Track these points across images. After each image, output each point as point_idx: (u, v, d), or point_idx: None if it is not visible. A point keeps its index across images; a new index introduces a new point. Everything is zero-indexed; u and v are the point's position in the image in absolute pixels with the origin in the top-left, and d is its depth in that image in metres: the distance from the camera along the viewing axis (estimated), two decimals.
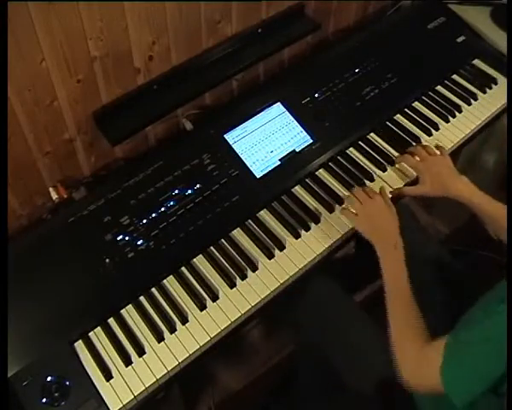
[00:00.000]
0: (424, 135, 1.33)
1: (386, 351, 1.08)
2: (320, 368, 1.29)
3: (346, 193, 1.21)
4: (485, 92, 1.44)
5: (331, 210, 1.18)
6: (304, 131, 1.29)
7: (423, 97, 1.42)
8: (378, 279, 1.54)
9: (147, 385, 0.95)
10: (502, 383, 0.79)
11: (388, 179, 1.24)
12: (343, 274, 1.44)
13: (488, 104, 1.41)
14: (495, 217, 1.09)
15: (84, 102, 1.15)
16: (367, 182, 1.23)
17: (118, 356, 0.98)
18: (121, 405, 0.93)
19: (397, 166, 1.25)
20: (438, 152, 1.21)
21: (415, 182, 1.22)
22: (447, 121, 1.37)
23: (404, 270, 1.00)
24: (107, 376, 0.96)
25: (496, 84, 1.46)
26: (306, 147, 1.27)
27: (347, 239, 1.17)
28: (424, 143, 1.28)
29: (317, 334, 1.21)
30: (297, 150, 1.26)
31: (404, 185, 1.22)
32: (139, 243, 1.09)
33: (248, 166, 1.23)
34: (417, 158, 1.20)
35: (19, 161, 1.12)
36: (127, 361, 0.97)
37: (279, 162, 1.25)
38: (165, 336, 1.01)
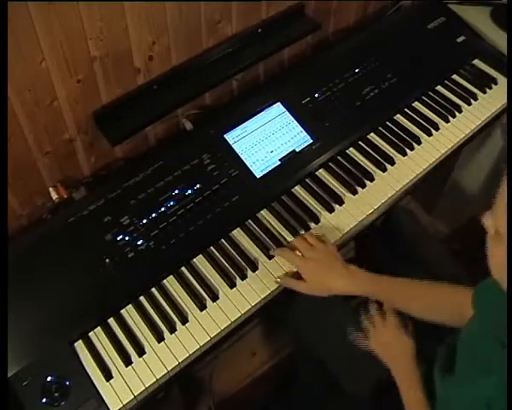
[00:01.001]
0: (424, 135, 1.33)
1: None
2: (319, 369, 1.29)
3: (347, 194, 1.21)
4: (485, 92, 1.44)
5: (331, 210, 1.18)
6: (304, 131, 1.29)
7: (423, 97, 1.42)
8: None
9: (147, 385, 0.95)
10: None
11: (389, 180, 1.24)
12: None
13: (488, 104, 1.41)
14: (405, 294, 1.03)
15: (84, 102, 1.15)
16: (367, 182, 1.23)
17: (118, 356, 0.98)
18: (121, 405, 0.93)
19: (276, 258, 1.11)
20: (317, 242, 1.08)
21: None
22: (447, 121, 1.37)
23: (418, 382, 0.95)
24: (107, 376, 0.96)
25: (496, 84, 1.46)
26: (306, 147, 1.27)
27: (347, 240, 1.17)
28: (307, 233, 1.13)
29: (314, 336, 1.21)
30: (297, 150, 1.26)
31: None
32: (139, 243, 1.09)
33: (248, 166, 1.23)
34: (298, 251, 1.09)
35: (19, 161, 1.12)
36: (127, 361, 0.97)
37: (279, 162, 1.25)
38: (165, 336, 1.01)
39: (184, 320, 1.02)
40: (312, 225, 1.15)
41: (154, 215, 1.13)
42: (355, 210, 1.18)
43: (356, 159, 1.29)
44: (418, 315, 1.01)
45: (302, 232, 1.14)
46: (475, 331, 0.83)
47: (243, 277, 1.08)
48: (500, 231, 0.66)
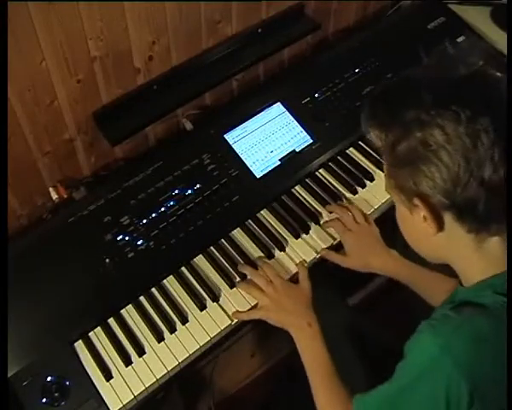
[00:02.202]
0: None
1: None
2: None
3: (347, 194, 1.21)
4: None
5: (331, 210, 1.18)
6: (304, 131, 1.29)
7: None
8: (374, 280, 1.53)
9: (147, 385, 0.95)
10: None
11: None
12: (340, 276, 1.44)
13: None
14: (426, 287, 1.05)
15: (84, 102, 1.15)
16: (367, 182, 1.23)
17: (118, 356, 0.98)
18: (121, 405, 0.93)
19: (323, 225, 1.16)
20: (363, 221, 1.13)
21: None
22: None
23: (323, 346, 0.95)
24: (107, 376, 0.96)
25: None
26: (306, 147, 1.27)
27: None
28: (352, 206, 1.17)
29: None
30: (297, 150, 1.26)
31: None
32: (139, 243, 1.09)
33: (248, 166, 1.23)
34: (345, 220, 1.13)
35: (19, 161, 1.12)
36: (127, 361, 0.97)
37: (279, 162, 1.25)
38: (165, 336, 1.01)
39: (184, 320, 1.02)
40: (312, 225, 1.15)
41: (154, 215, 1.13)
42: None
43: (356, 159, 1.29)
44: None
45: (303, 233, 1.14)
46: None
47: (243, 277, 1.08)
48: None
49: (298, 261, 1.10)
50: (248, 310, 1.03)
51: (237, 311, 1.03)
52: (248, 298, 1.05)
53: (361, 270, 1.10)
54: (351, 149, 1.31)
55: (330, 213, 1.17)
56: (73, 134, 1.19)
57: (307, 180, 1.24)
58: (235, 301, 1.04)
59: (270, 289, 1.02)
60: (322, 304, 1.20)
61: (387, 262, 1.09)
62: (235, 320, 1.03)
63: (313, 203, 1.20)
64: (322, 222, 1.16)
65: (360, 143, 1.31)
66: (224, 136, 1.26)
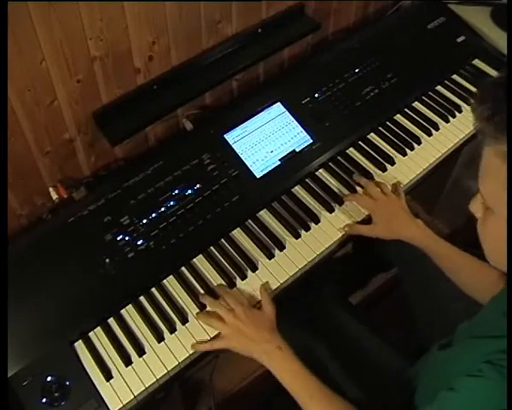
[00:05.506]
0: (424, 135, 1.33)
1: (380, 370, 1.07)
2: (320, 368, 1.29)
3: (346, 192, 1.21)
4: None
5: (331, 210, 1.18)
6: (304, 131, 1.29)
7: (423, 97, 1.42)
8: (377, 278, 1.53)
9: (147, 385, 0.95)
10: None
11: (389, 180, 1.24)
12: (342, 276, 1.44)
13: None
14: (450, 261, 1.07)
15: (84, 102, 1.15)
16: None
17: (118, 356, 0.98)
18: (121, 405, 0.93)
19: (347, 203, 1.19)
20: (390, 192, 1.17)
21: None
22: (447, 121, 1.37)
23: (301, 365, 0.93)
24: (107, 376, 0.96)
25: None
26: (306, 147, 1.27)
27: (348, 239, 1.17)
28: (379, 180, 1.22)
29: (314, 337, 1.21)
30: (297, 150, 1.26)
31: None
32: (139, 243, 1.09)
33: (248, 166, 1.23)
34: (372, 194, 1.16)
35: (19, 161, 1.12)
36: (127, 361, 0.97)
37: (279, 162, 1.25)
38: (165, 336, 1.01)
39: (184, 320, 1.02)
40: (312, 225, 1.15)
41: (154, 215, 1.13)
42: (355, 210, 1.18)
43: (356, 159, 1.29)
44: (460, 285, 1.07)
45: (302, 232, 1.14)
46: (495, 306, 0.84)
47: (243, 277, 1.08)
48: (493, 209, 0.70)
49: (299, 261, 1.10)
50: (210, 340, 0.99)
51: (198, 342, 0.99)
52: (249, 298, 1.05)
53: (388, 237, 1.12)
54: (351, 149, 1.31)
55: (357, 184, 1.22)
56: (73, 134, 1.19)
57: (307, 180, 1.24)
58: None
59: (231, 317, 0.97)
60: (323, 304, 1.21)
61: (412, 229, 1.11)
62: None
63: (313, 203, 1.20)
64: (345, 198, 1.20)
65: (360, 143, 1.32)
66: (224, 136, 1.26)
